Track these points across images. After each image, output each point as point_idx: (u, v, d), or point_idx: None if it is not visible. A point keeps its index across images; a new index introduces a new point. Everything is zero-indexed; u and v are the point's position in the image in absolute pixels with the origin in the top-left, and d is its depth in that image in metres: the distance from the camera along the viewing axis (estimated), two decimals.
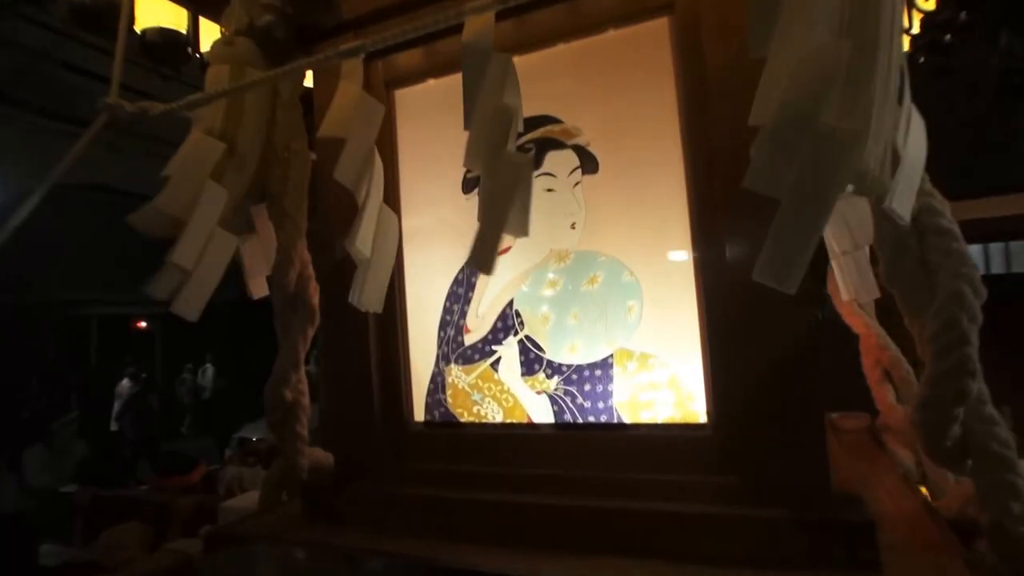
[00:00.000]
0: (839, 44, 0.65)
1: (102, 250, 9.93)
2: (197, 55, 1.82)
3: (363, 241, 1.05)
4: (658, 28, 1.13)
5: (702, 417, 1.10)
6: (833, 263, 1.24)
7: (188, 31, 1.78)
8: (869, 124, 0.60)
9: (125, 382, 9.70)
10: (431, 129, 1.35)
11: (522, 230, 0.87)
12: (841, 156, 0.63)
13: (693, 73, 1.09)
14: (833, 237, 1.19)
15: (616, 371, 1.17)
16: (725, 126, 1.02)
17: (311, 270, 1.64)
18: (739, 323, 1.02)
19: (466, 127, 0.92)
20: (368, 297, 1.09)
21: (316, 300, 1.65)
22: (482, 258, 0.84)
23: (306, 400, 1.69)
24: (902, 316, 0.92)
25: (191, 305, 1.14)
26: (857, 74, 0.66)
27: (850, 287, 1.22)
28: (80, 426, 8.35)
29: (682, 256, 1.11)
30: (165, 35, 1.72)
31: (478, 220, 0.86)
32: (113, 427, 9.38)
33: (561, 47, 1.21)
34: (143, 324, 13.30)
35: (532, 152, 0.89)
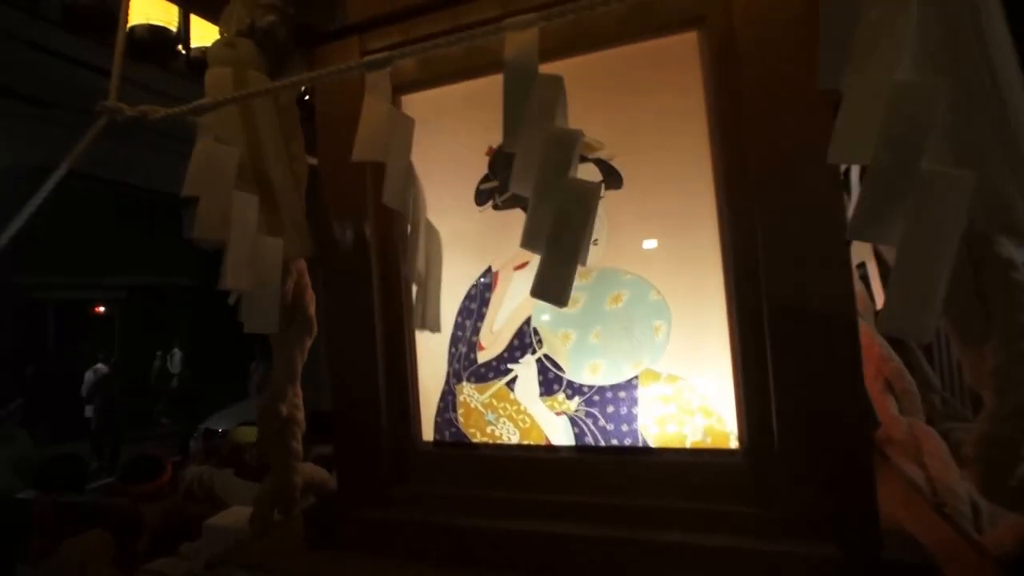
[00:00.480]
0: (935, 83, 0.64)
1: (60, 234, 9.64)
2: (184, 52, 1.72)
3: (417, 263, 0.98)
4: (687, 41, 1.09)
5: (733, 443, 1.06)
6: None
7: (179, 28, 1.67)
8: (981, 163, 0.57)
9: (100, 366, 9.36)
10: (441, 137, 1.29)
11: (582, 259, 0.82)
12: (952, 198, 0.61)
13: (725, 87, 1.05)
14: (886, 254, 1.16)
15: (641, 393, 1.12)
16: (762, 141, 0.99)
17: (308, 279, 1.57)
18: (775, 345, 0.98)
19: (505, 147, 0.87)
20: (431, 319, 1.03)
21: (313, 310, 1.57)
22: (554, 292, 0.78)
23: (301, 415, 1.61)
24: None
25: (263, 319, 1.09)
26: (964, 112, 0.64)
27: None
28: (26, 415, 8.00)
29: (713, 275, 1.07)
30: (154, 32, 1.61)
31: (540, 248, 0.80)
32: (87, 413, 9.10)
33: (585, 56, 1.16)
34: (102, 309, 12.94)
35: (601, 182, 0.84)
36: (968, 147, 0.68)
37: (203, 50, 1.70)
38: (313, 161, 1.43)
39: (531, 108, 0.85)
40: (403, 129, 1.02)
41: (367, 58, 0.99)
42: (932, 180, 0.65)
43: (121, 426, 9.05)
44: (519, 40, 0.87)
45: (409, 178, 1.02)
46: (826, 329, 0.94)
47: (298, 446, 1.61)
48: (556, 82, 0.85)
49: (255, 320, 1.11)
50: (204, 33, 1.67)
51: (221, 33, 1.30)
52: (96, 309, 12.89)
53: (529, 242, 0.83)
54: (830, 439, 0.94)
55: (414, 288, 1.11)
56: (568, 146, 0.84)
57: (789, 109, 0.97)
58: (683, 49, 1.09)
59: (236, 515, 1.95)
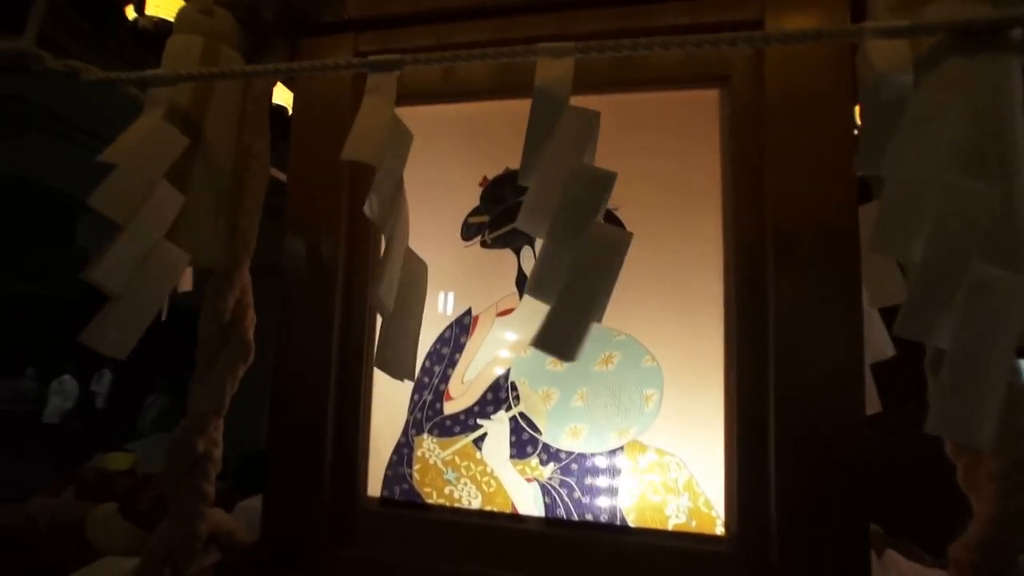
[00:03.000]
0: (987, 191, 0.66)
1: None
2: (135, 16, 1.51)
3: (387, 291, 0.83)
4: (709, 98, 1.04)
5: (719, 529, 0.98)
6: None
7: None
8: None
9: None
10: (430, 159, 1.17)
11: (599, 315, 0.72)
12: (1007, 301, 0.59)
13: (745, 148, 1.00)
14: None
15: (624, 465, 1.03)
16: (783, 208, 0.94)
17: (250, 298, 1.38)
18: (779, 428, 0.92)
19: (521, 181, 0.78)
20: (395, 360, 0.86)
21: (251, 334, 1.38)
22: (561, 345, 0.68)
23: (219, 453, 1.40)
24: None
25: (115, 338, 0.85)
26: (1010, 219, 0.63)
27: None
28: None
29: (714, 346, 1.01)
30: None
31: (551, 296, 0.70)
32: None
33: (596, 98, 1.09)
34: None
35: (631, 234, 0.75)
36: (1004, 250, 0.67)
37: (155, 22, 1.51)
38: (280, 176, 1.28)
39: (555, 142, 0.77)
40: (400, 141, 0.90)
41: (373, 58, 0.87)
42: (988, 283, 0.64)
43: None
44: (553, 68, 0.78)
45: (396, 195, 0.90)
46: (836, 423, 0.89)
47: (210, 489, 1.39)
48: (591, 118, 0.77)
49: (102, 336, 0.84)
50: (162, 3, 1.49)
51: None
52: None
53: (538, 289, 0.73)
54: (830, 539, 0.88)
55: (379, 321, 0.96)
56: (601, 188, 0.76)
57: (813, 180, 0.94)
58: (704, 105, 1.04)
59: (107, 569, 1.65)
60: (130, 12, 1.47)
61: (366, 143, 0.84)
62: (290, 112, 1.95)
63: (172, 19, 1.59)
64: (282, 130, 1.34)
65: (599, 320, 0.70)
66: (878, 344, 1.09)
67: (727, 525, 0.98)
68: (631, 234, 0.74)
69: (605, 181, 0.75)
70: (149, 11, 1.49)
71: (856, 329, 0.90)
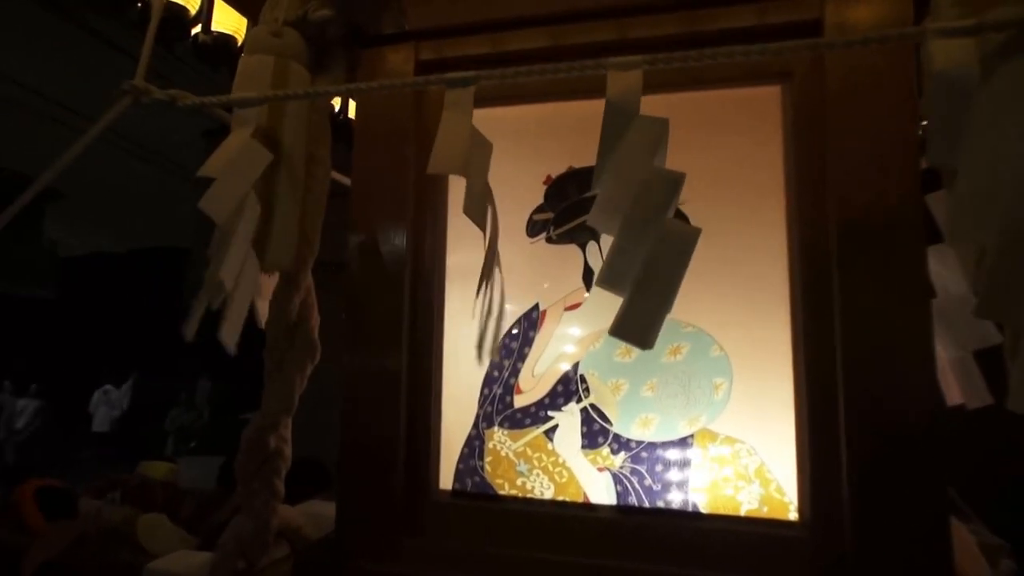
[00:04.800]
0: None
1: None
2: (204, 35, 1.57)
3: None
4: (771, 94, 1.07)
5: (792, 514, 1.01)
6: (941, 367, 1.19)
7: (200, 9, 1.54)
8: None
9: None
10: (494, 160, 1.20)
11: (671, 306, 0.77)
12: None
13: (808, 141, 1.03)
14: (939, 341, 1.16)
15: (695, 453, 1.06)
16: (846, 199, 0.97)
17: (314, 299, 1.43)
18: (851, 415, 0.94)
19: (595, 186, 0.83)
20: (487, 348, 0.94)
21: (316, 334, 1.43)
22: (639, 333, 0.72)
23: (288, 450, 1.44)
24: None
25: (232, 331, 0.94)
26: None
27: (961, 392, 1.20)
28: None
29: (781, 334, 1.03)
30: (170, 10, 1.47)
31: (624, 289, 0.75)
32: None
33: (657, 97, 1.12)
34: None
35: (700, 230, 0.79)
36: None
37: (214, 36, 1.57)
38: (344, 180, 1.32)
39: (626, 148, 0.81)
40: (481, 151, 0.94)
41: (451, 74, 0.91)
42: None
43: None
44: (623, 81, 0.82)
45: (487, 199, 0.94)
46: (907, 402, 0.92)
47: (280, 486, 1.44)
48: (661, 125, 0.82)
49: (223, 330, 0.98)
50: (224, 19, 1.55)
51: (264, 19, 1.18)
52: None
53: (608, 280, 0.77)
54: (906, 522, 0.90)
55: (480, 315, 1.01)
56: (671, 188, 0.80)
57: (874, 171, 0.97)
58: (766, 102, 1.07)
59: (183, 559, 1.71)
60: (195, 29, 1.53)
61: (450, 156, 0.88)
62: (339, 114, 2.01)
63: (231, 32, 1.66)
64: (335, 133, 1.39)
65: (669, 311, 0.74)
66: (980, 332, 1.11)
67: (800, 510, 1.00)
68: (700, 230, 0.78)
69: (676, 182, 0.80)
70: (215, 28, 1.55)
71: (922, 316, 0.92)
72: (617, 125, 0.81)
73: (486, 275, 0.89)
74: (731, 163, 1.09)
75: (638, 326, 0.72)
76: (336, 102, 1.99)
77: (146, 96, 1.00)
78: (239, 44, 1.63)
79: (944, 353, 1.18)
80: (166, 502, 2.54)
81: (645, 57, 0.82)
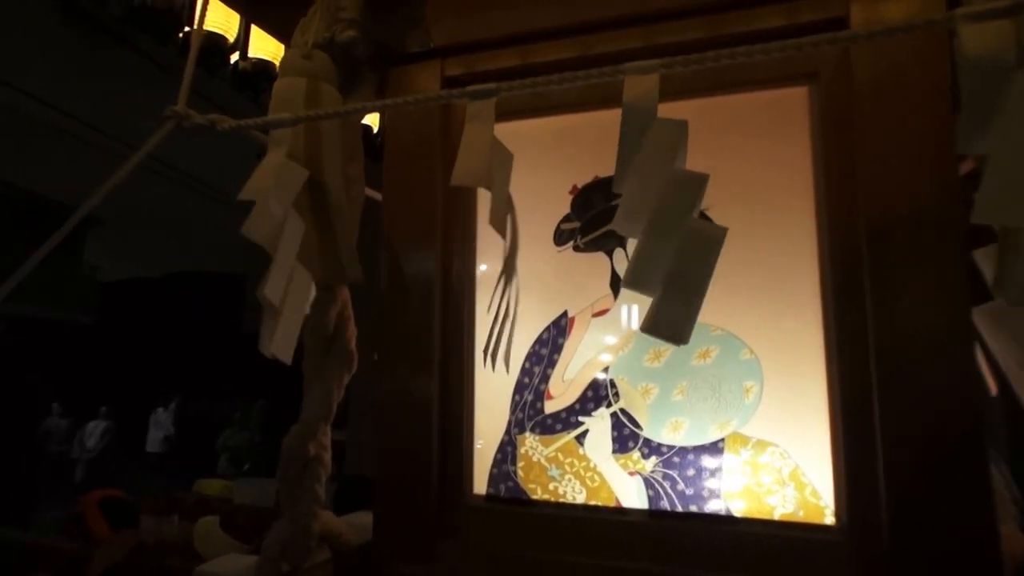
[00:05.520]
0: None
1: None
2: (241, 61, 1.65)
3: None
4: (797, 95, 1.07)
5: (829, 518, 1.00)
6: (1011, 377, 1.15)
7: (238, 37, 1.61)
8: None
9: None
10: (522, 170, 1.23)
11: (700, 304, 0.78)
12: None
13: (837, 142, 1.03)
14: (1003, 352, 1.12)
15: (727, 457, 1.06)
16: (876, 198, 0.96)
17: (351, 311, 1.47)
18: (884, 414, 0.93)
19: (615, 189, 0.84)
20: (503, 357, 0.97)
21: (354, 344, 1.48)
22: (672, 329, 0.74)
23: (328, 457, 1.49)
24: None
25: (283, 345, 0.98)
26: None
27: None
28: None
29: (813, 337, 1.03)
30: (209, 38, 1.55)
31: (654, 289, 0.76)
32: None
33: (685, 103, 1.13)
34: None
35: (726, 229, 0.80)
36: None
37: (253, 63, 1.64)
38: (375, 195, 1.37)
39: (646, 151, 0.82)
40: (503, 161, 0.97)
41: (472, 87, 0.94)
42: None
43: None
44: (640, 84, 0.84)
45: (509, 208, 0.97)
46: (946, 401, 0.90)
47: (321, 491, 1.49)
48: (679, 127, 0.82)
49: (276, 345, 1.00)
50: (261, 45, 1.62)
51: (295, 43, 1.24)
52: None
53: (636, 281, 0.78)
54: (947, 526, 0.88)
55: (497, 322, 1.04)
56: (694, 188, 0.81)
57: (905, 167, 0.95)
58: (792, 103, 1.07)
59: (231, 563, 1.78)
60: (234, 56, 1.61)
61: (473, 169, 0.91)
62: (374, 130, 2.07)
63: (269, 58, 1.73)
64: (373, 152, 1.44)
65: (700, 307, 0.75)
66: None
67: (836, 514, 0.99)
68: (726, 229, 0.79)
69: (700, 182, 0.81)
70: (252, 54, 1.63)
71: (960, 316, 0.91)
72: (636, 129, 0.82)
73: (505, 281, 0.91)
74: (759, 166, 1.09)
75: (671, 323, 0.73)
76: (374, 123, 2.05)
77: (187, 120, 1.06)
78: (277, 70, 1.70)
79: (1011, 363, 1.13)
80: (223, 517, 2.63)
81: (662, 61, 0.83)
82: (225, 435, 7.86)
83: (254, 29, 1.59)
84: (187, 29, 1.53)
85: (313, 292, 1.07)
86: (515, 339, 1.20)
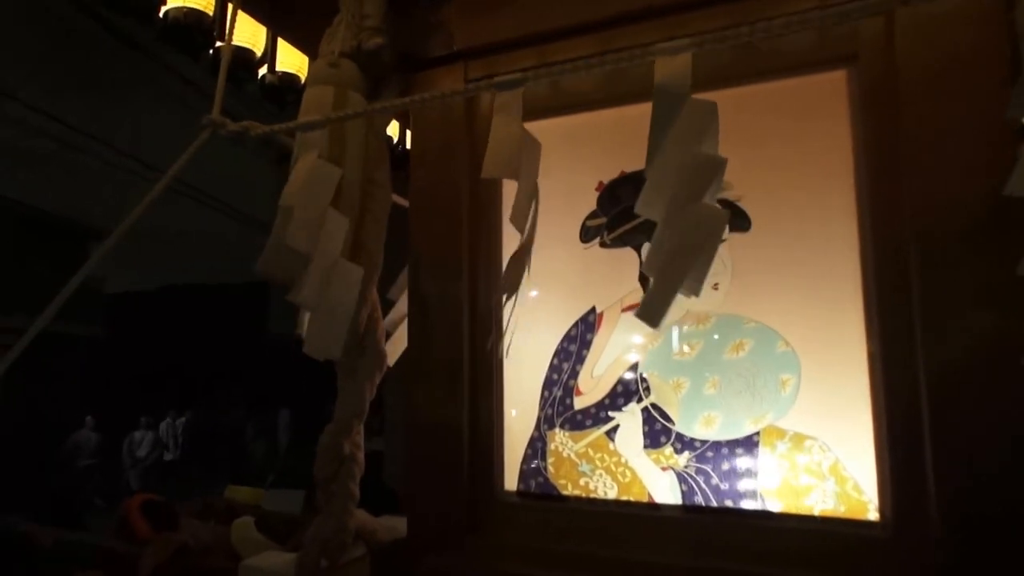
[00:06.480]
0: None
1: None
2: (270, 74, 1.69)
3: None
4: (835, 79, 1.04)
5: (872, 514, 0.96)
6: None
7: (265, 50, 1.66)
8: None
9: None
10: (546, 169, 1.23)
11: (695, 289, 0.77)
12: None
13: (878, 128, 0.99)
14: None
15: (763, 451, 1.03)
16: (923, 182, 0.93)
17: (380, 312, 1.50)
18: (934, 406, 0.89)
19: (646, 173, 0.83)
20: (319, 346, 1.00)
21: (384, 344, 1.50)
22: (650, 312, 0.74)
23: (361, 455, 1.51)
24: None
25: (329, 344, 1.01)
26: None
27: None
28: None
29: (853, 326, 1.00)
30: (236, 53, 1.60)
31: (655, 271, 0.76)
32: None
33: (720, 92, 1.11)
34: None
35: (728, 213, 0.80)
36: None
37: (280, 76, 1.69)
38: (402, 201, 1.38)
39: (675, 133, 0.81)
40: (532, 152, 0.97)
41: (499, 78, 0.95)
42: None
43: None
44: (671, 65, 0.83)
45: (533, 200, 0.97)
46: (1001, 393, 0.86)
47: (356, 489, 1.51)
48: (710, 109, 0.81)
49: (320, 344, 1.05)
50: (288, 59, 1.67)
51: (322, 52, 1.27)
52: None
53: (648, 267, 0.78)
54: (1008, 521, 0.84)
55: (508, 311, 1.05)
56: (710, 172, 0.80)
57: (958, 162, 0.92)
58: (830, 87, 1.04)
59: (273, 558, 1.82)
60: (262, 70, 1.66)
61: (502, 160, 0.91)
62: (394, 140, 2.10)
63: (295, 71, 1.77)
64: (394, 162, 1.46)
65: (697, 294, 0.74)
66: None
67: (881, 510, 0.96)
68: (728, 213, 0.77)
69: (717, 166, 0.79)
70: (279, 67, 1.67)
71: (1016, 301, 0.87)
72: (667, 110, 0.81)
73: (516, 273, 0.92)
74: (796, 154, 1.06)
75: (649, 306, 0.73)
76: (394, 133, 2.08)
77: (223, 128, 1.09)
78: (302, 82, 1.75)
79: None
80: (259, 518, 2.69)
81: (693, 39, 0.82)
82: (254, 445, 8.01)
83: (280, 43, 1.63)
84: (218, 44, 1.58)
85: (358, 287, 1.09)
86: (545, 336, 1.21)
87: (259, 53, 1.69)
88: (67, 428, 9.41)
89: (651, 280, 0.78)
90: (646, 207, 0.84)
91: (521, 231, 0.92)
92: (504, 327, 0.98)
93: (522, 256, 0.97)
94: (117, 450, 9.86)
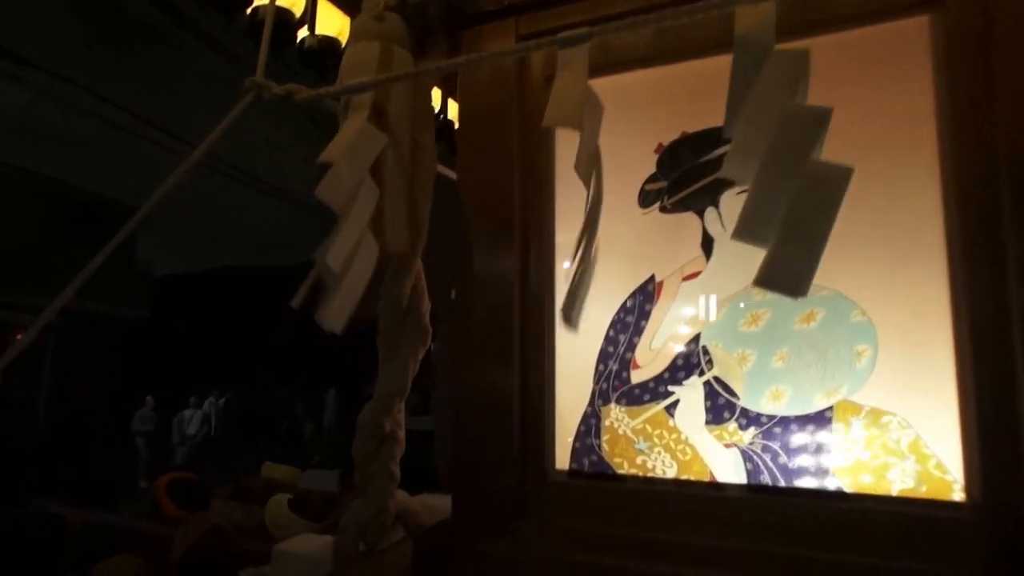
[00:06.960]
0: None
1: None
2: (309, 37, 1.65)
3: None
4: (917, 26, 0.98)
5: (958, 494, 0.90)
6: None
7: (305, 11, 1.62)
8: None
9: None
10: (605, 129, 1.18)
11: (821, 253, 0.70)
12: None
13: (967, 80, 0.93)
14: None
15: (836, 428, 0.97)
16: (1019, 133, 0.86)
17: (424, 284, 1.45)
18: None
19: (726, 133, 0.77)
20: (576, 316, 0.89)
21: (428, 319, 1.45)
22: (791, 281, 0.67)
23: (402, 434, 1.47)
24: None
25: (337, 315, 0.95)
26: None
27: None
28: None
29: (936, 294, 0.93)
30: (278, 15, 1.56)
31: (768, 237, 0.69)
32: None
33: (791, 42, 1.05)
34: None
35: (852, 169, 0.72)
36: None
37: (319, 39, 1.65)
38: (450, 173, 1.34)
39: (760, 87, 0.75)
40: (594, 112, 0.92)
41: (563, 34, 0.89)
42: None
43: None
44: (753, 14, 0.77)
45: (596, 159, 0.92)
46: None
47: (396, 468, 1.47)
48: (801, 59, 0.75)
49: (330, 315, 0.96)
50: (328, 21, 1.63)
51: (365, 6, 1.22)
52: (17, 336, 10.16)
53: (748, 231, 0.71)
54: None
55: (573, 280, 0.99)
56: (816, 124, 0.73)
57: None
58: (911, 35, 0.98)
59: (308, 542, 1.79)
60: (302, 32, 1.62)
61: (565, 110, 0.86)
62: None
63: (334, 35, 1.73)
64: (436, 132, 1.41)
65: (821, 258, 0.68)
66: None
67: (967, 490, 0.90)
68: (852, 169, 0.71)
69: (821, 117, 0.73)
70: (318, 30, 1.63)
71: None
72: (750, 63, 0.75)
73: (587, 238, 0.86)
74: (873, 109, 1.00)
75: (789, 274, 0.66)
76: (436, 103, 2.03)
77: (267, 92, 1.05)
78: (343, 47, 1.70)
79: None
80: (295, 497, 2.69)
81: None
82: (308, 428, 8.04)
83: (321, 4, 1.59)
84: (254, 4, 1.54)
85: (374, 264, 1.03)
86: (599, 307, 1.15)
87: (298, 14, 1.64)
88: (120, 409, 9.62)
89: (772, 245, 0.69)
90: (734, 168, 0.77)
91: (586, 183, 0.87)
92: (575, 294, 0.92)
93: (595, 215, 0.92)
94: (166, 430, 10.08)
